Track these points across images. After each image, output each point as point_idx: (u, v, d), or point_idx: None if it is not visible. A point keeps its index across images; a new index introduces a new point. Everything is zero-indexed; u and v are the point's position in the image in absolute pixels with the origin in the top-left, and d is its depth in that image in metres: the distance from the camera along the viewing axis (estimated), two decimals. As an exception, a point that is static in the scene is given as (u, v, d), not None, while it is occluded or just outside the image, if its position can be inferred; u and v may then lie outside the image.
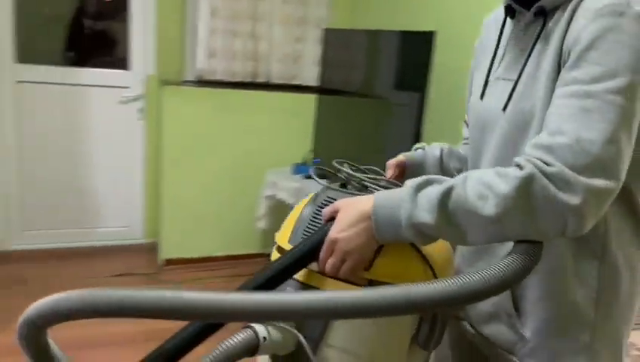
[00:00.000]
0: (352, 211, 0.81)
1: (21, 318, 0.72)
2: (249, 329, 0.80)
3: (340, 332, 0.87)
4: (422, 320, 0.88)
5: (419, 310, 0.66)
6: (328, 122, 3.18)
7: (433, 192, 0.76)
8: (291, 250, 0.85)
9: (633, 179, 0.83)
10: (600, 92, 0.74)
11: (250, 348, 0.79)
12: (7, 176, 3.06)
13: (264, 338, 0.80)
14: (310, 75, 3.39)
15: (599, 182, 0.71)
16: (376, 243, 0.81)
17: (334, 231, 0.81)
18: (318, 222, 0.89)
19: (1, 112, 2.98)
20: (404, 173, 1.14)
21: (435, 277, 0.86)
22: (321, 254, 0.82)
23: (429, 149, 1.21)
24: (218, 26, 3.11)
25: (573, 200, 0.70)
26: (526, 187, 0.71)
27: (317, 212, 0.90)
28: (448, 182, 0.77)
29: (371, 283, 0.84)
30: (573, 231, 0.73)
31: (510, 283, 0.69)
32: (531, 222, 0.73)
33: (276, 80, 3.35)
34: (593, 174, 0.71)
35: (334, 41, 3.20)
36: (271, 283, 0.81)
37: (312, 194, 0.97)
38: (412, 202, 0.77)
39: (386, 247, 0.84)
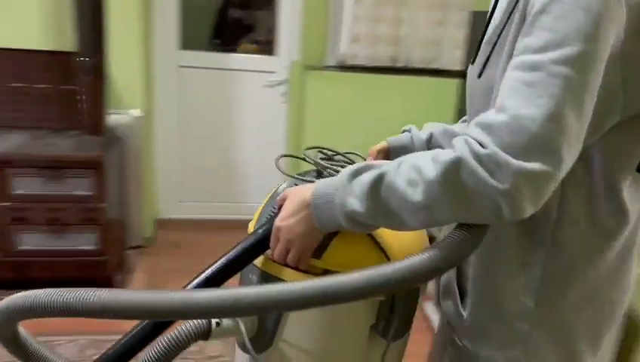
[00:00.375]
0: (295, 199, 0.80)
1: None
2: None
3: (292, 328, 0.87)
4: (380, 310, 0.86)
5: (330, 302, 0.66)
6: (469, 108, 3.07)
7: (366, 179, 0.72)
8: (245, 238, 0.86)
9: (608, 160, 0.75)
10: (546, 63, 0.64)
11: (203, 332, 0.84)
12: (168, 153, 3.42)
13: (217, 323, 0.85)
14: (450, 59, 3.31)
15: (534, 166, 0.63)
16: (320, 232, 0.79)
17: (278, 220, 0.81)
18: (274, 211, 0.87)
19: (166, 94, 3.33)
20: (388, 159, 1.04)
21: (389, 259, 0.84)
22: (270, 243, 0.83)
23: (416, 132, 1.12)
24: (362, 12, 3.16)
25: (503, 185, 0.63)
26: (453, 172, 0.65)
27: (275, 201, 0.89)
28: (383, 167, 0.72)
29: (326, 272, 0.82)
30: (509, 216, 0.66)
31: (430, 275, 0.69)
32: (461, 207, 0.67)
33: (415, 64, 3.32)
34: (529, 156, 0.63)
35: (481, 23, 3.07)
36: (225, 272, 0.84)
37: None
38: (345, 189, 0.74)
39: (340, 235, 0.82)
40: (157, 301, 0.65)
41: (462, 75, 3.22)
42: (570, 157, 0.65)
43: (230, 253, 0.85)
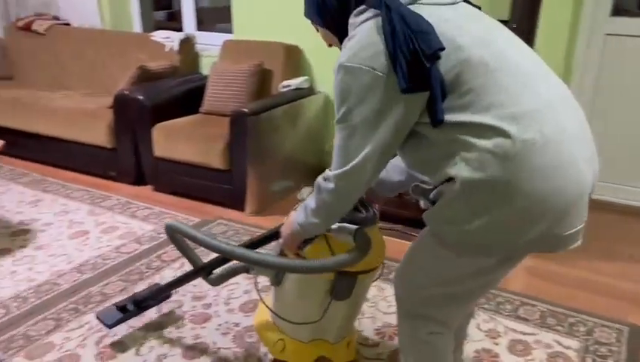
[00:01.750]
0: (288, 218, 1.50)
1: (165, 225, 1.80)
2: None
3: (287, 277, 1.66)
4: (330, 283, 1.58)
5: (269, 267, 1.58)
6: None
7: (303, 204, 1.40)
8: (270, 229, 1.69)
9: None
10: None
11: (245, 268, 1.75)
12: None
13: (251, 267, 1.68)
14: None
15: (339, 172, 1.23)
16: (299, 239, 1.49)
17: (282, 230, 1.54)
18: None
19: (587, 63, 3.16)
20: None
21: (333, 254, 1.51)
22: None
23: None
24: None
25: (331, 185, 1.26)
26: (316, 185, 1.32)
27: None
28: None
29: (300, 257, 1.56)
30: (347, 200, 1.30)
31: (322, 271, 1.46)
32: (327, 205, 1.31)
33: None
34: (336, 168, 1.24)
35: None
36: (258, 244, 1.69)
37: None
38: (299, 212, 1.42)
39: (314, 241, 1.53)
40: (224, 250, 1.54)
41: None
42: (353, 161, 1.19)
43: (264, 233, 1.70)
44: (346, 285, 1.59)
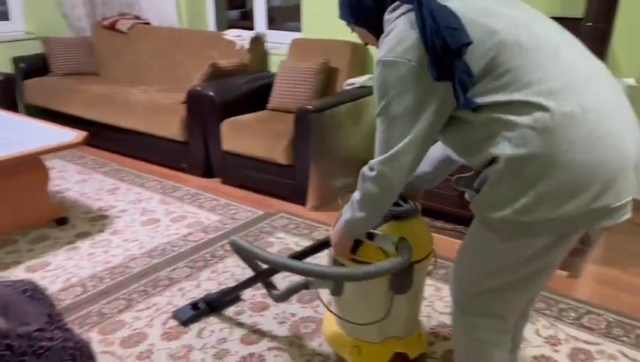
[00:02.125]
0: (337, 225, 1.58)
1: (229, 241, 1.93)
2: None
3: (348, 284, 1.72)
4: (391, 278, 1.64)
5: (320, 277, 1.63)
6: None
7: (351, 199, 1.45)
8: (320, 239, 1.83)
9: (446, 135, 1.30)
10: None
11: (306, 284, 1.78)
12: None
13: (312, 279, 1.76)
14: None
15: (381, 158, 1.27)
16: (348, 241, 1.57)
17: (331, 236, 1.62)
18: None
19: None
20: None
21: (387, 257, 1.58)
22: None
23: None
24: None
25: (374, 173, 1.30)
26: (361, 176, 1.36)
27: None
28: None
29: (356, 261, 1.63)
30: (388, 188, 1.31)
31: (377, 275, 1.50)
32: (371, 193, 1.33)
33: None
34: (378, 155, 1.29)
35: None
36: (309, 253, 1.83)
37: None
38: (346, 210, 1.48)
39: (363, 244, 1.61)
40: (279, 262, 1.68)
41: None
42: (393, 151, 1.25)
43: (313, 244, 1.84)
44: (405, 276, 1.65)
